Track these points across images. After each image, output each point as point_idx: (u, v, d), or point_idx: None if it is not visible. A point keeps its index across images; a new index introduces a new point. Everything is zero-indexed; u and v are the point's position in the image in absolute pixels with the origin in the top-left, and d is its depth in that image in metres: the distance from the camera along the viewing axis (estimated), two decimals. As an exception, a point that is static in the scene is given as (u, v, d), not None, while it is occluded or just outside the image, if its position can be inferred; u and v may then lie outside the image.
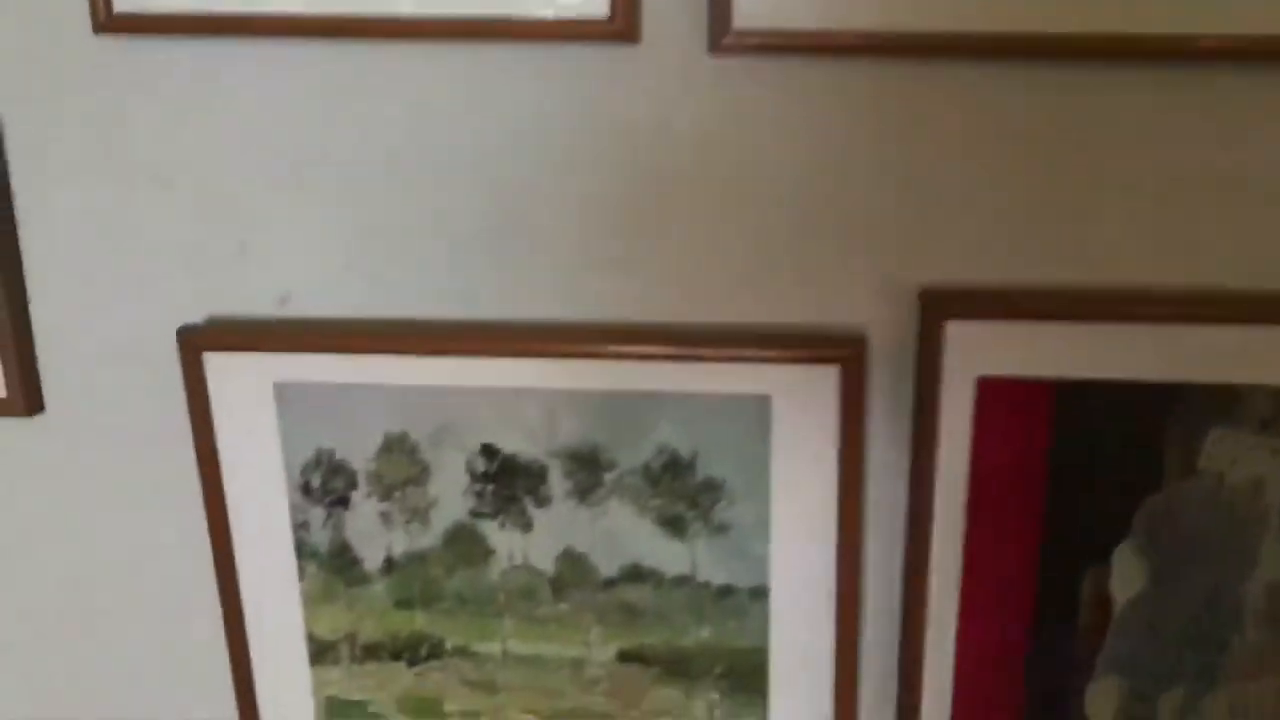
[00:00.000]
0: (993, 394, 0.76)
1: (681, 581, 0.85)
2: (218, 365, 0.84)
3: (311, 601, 0.90)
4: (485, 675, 0.90)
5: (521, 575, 0.87)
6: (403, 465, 0.85)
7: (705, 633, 0.86)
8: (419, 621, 0.89)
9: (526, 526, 0.85)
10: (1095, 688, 0.81)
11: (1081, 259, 0.75)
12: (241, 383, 0.85)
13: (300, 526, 0.88)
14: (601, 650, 0.88)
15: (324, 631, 0.91)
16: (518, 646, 0.89)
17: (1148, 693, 0.81)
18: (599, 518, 0.84)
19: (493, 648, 0.89)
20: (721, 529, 0.83)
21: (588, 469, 0.83)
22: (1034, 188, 0.75)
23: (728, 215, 0.78)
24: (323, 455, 0.86)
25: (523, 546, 0.86)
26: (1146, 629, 0.79)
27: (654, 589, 0.85)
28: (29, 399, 0.88)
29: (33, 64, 0.81)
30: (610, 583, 0.86)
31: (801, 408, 0.79)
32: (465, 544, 0.87)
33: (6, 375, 0.87)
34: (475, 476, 0.85)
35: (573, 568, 0.86)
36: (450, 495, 0.85)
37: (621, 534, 0.84)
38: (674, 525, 0.83)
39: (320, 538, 0.88)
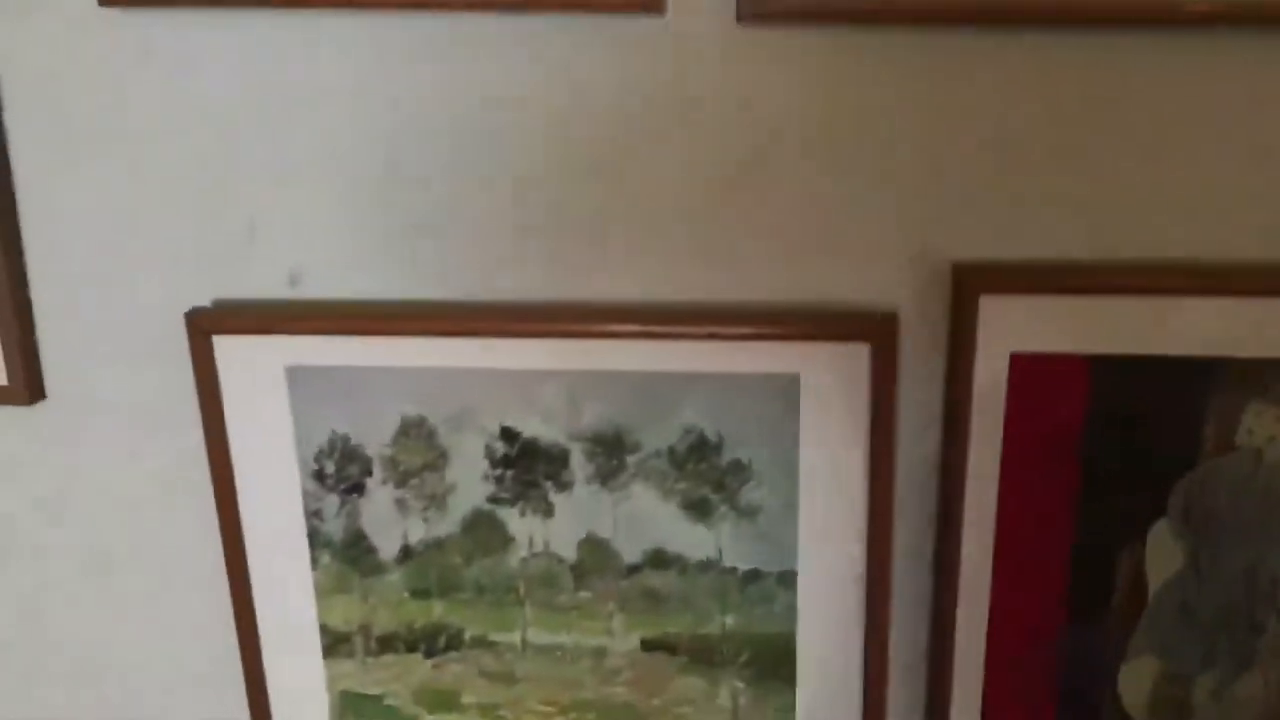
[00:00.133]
0: (1026, 370, 0.76)
1: (707, 567, 0.84)
2: (227, 349, 0.83)
3: (325, 592, 0.89)
4: (504, 666, 0.89)
5: (542, 562, 0.86)
6: (420, 450, 0.84)
7: (731, 620, 0.85)
8: (436, 611, 0.88)
9: (547, 512, 0.84)
10: (1129, 669, 0.81)
11: (1117, 232, 0.75)
12: (252, 367, 0.83)
13: (313, 515, 0.87)
14: (624, 639, 0.87)
15: (338, 623, 0.90)
16: (538, 636, 0.88)
17: (1183, 674, 0.80)
18: (622, 502, 0.83)
19: (512, 638, 0.88)
20: (748, 512, 0.82)
21: (610, 452, 0.82)
22: (1069, 160, 0.74)
23: (754, 190, 0.77)
24: (336, 441, 0.85)
25: (543, 533, 0.85)
26: (1182, 610, 0.79)
27: (678, 575, 0.84)
28: (30, 386, 0.86)
29: (34, 38, 0.79)
30: (633, 569, 0.85)
31: (831, 386, 0.78)
32: (484, 531, 0.85)
33: (7, 362, 0.85)
34: (494, 461, 0.84)
35: (595, 554, 0.85)
36: (469, 481, 0.84)
37: (645, 519, 0.83)
38: (699, 509, 0.82)
39: (334, 526, 0.87)
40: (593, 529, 0.84)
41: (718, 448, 0.81)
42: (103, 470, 0.90)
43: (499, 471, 0.84)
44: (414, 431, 0.84)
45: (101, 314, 0.85)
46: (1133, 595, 0.79)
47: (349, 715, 0.92)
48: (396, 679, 0.91)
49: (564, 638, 0.88)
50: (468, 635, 0.89)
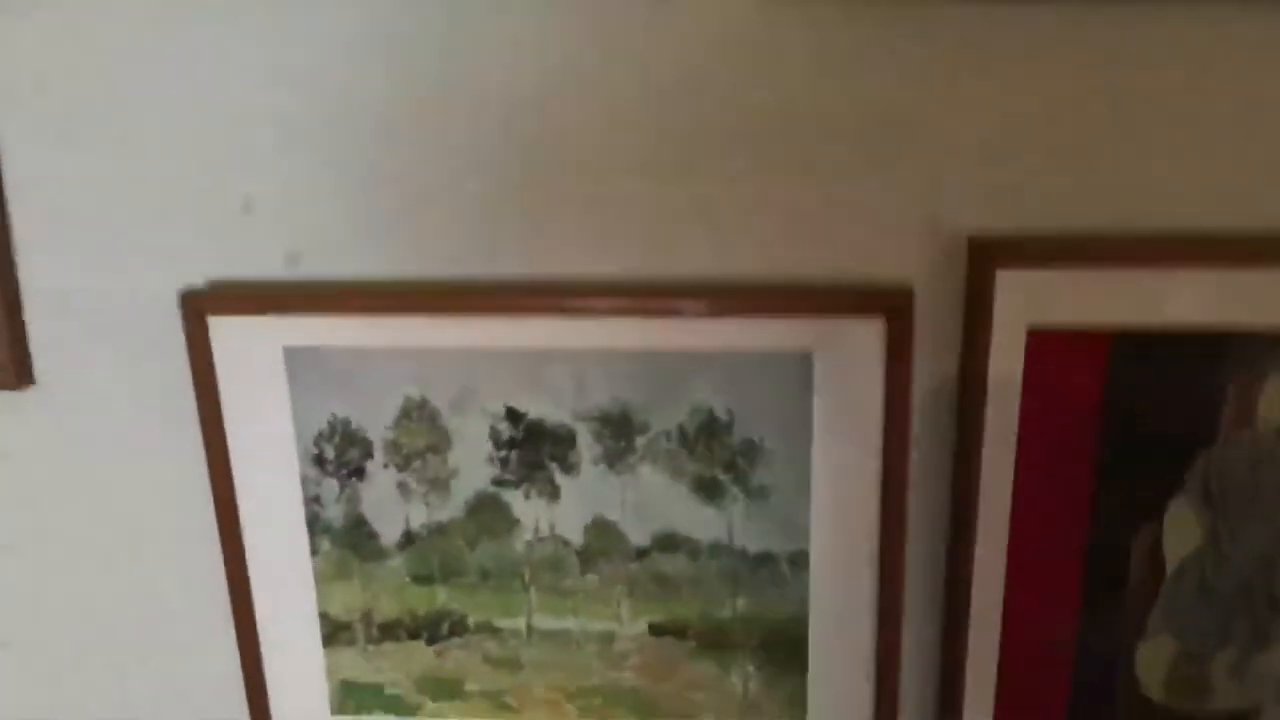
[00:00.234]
0: (1044, 345, 0.75)
1: (717, 549, 0.83)
2: (223, 330, 0.82)
3: (324, 579, 0.88)
4: (509, 653, 0.88)
5: (548, 546, 0.85)
6: (422, 433, 0.83)
7: (742, 603, 0.84)
8: (439, 598, 0.87)
9: (553, 495, 0.83)
10: (1146, 647, 0.80)
11: (1136, 202, 0.74)
12: (249, 348, 0.82)
13: (313, 500, 0.86)
14: (632, 624, 0.86)
15: (338, 611, 0.88)
16: (544, 622, 0.87)
17: (1200, 652, 0.80)
18: (630, 484, 0.82)
19: (518, 624, 0.87)
20: (760, 493, 0.81)
21: (618, 433, 0.81)
22: (1087, 129, 0.73)
23: (766, 161, 0.76)
24: (336, 424, 0.83)
25: (549, 516, 0.84)
26: (1199, 588, 0.78)
27: (688, 558, 0.83)
28: (19, 370, 0.85)
29: (23, 17, 0.77)
30: (642, 552, 0.84)
31: (844, 363, 0.77)
32: (488, 515, 0.84)
33: (-6, 345, 0.84)
34: (499, 443, 0.82)
35: (602, 537, 0.84)
36: (472, 464, 0.83)
37: (654, 501, 0.82)
38: (710, 490, 0.81)
39: (334, 511, 0.86)
40: (600, 511, 0.83)
41: (728, 427, 0.80)
42: (95, 456, 0.88)
43: (503, 453, 0.83)
44: (416, 413, 0.82)
45: (93, 295, 0.84)
46: (1150, 574, 0.79)
47: (349, 705, 0.91)
48: (398, 667, 0.90)
49: (570, 623, 0.87)
50: (471, 622, 0.87)
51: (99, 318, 0.84)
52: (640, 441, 0.81)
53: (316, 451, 0.84)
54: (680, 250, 0.78)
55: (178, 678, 0.94)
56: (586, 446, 0.82)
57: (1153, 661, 0.81)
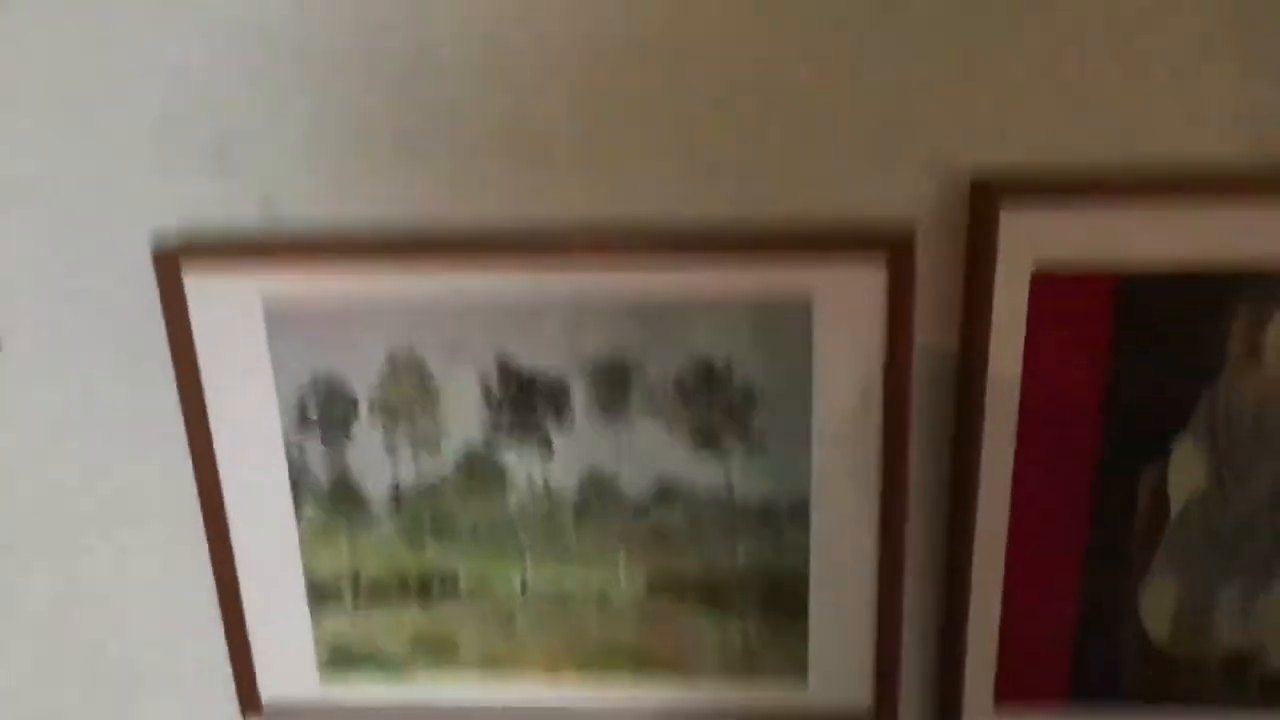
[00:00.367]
0: (1049, 286, 0.74)
1: (715, 502, 0.82)
2: (199, 285, 0.79)
3: (310, 541, 0.86)
4: (504, 612, 0.87)
5: (542, 503, 0.83)
6: (409, 388, 0.81)
7: (741, 556, 0.84)
8: (430, 558, 0.86)
9: (547, 450, 0.82)
10: (1150, 589, 0.81)
11: (1142, 139, 0.73)
12: (226, 303, 0.80)
13: (296, 460, 0.84)
14: (629, 579, 0.85)
15: (325, 573, 0.87)
16: (538, 581, 0.86)
17: (1204, 592, 0.81)
18: (626, 436, 0.81)
19: (511, 582, 0.86)
20: (759, 443, 0.80)
21: (614, 384, 0.80)
22: (1091, 63, 0.72)
23: (762, 99, 0.74)
24: (319, 380, 0.81)
25: (543, 472, 0.83)
26: (1204, 527, 0.79)
27: (686, 512, 0.83)
28: (-19, 330, 0.82)
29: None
30: (638, 506, 0.83)
31: (845, 307, 0.77)
32: (480, 472, 0.83)
33: (-46, 303, 0.81)
34: (490, 398, 0.81)
35: (598, 492, 0.83)
36: (463, 419, 0.82)
37: (651, 453, 0.81)
38: (708, 441, 0.81)
39: (319, 471, 0.84)
40: (595, 465, 0.82)
41: (727, 375, 0.79)
42: (66, 418, 0.86)
43: (495, 408, 0.81)
44: (403, 368, 0.81)
45: (58, 250, 0.81)
46: (1155, 515, 0.79)
47: (339, 670, 0.90)
48: (389, 630, 0.88)
49: (566, 582, 0.86)
50: (464, 582, 0.86)
51: (68, 272, 0.81)
52: (636, 392, 0.80)
53: (299, 409, 0.82)
54: (676, 194, 0.77)
55: (159, 644, 0.92)
56: (581, 398, 0.80)
57: (1157, 604, 0.81)
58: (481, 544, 0.85)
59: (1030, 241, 0.73)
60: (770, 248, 0.76)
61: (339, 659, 0.90)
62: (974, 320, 0.76)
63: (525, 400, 0.81)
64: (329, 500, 0.84)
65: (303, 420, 0.82)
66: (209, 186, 0.79)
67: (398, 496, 0.84)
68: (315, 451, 0.83)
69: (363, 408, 0.82)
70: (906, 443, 0.79)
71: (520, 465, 0.83)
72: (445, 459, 0.83)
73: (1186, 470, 0.78)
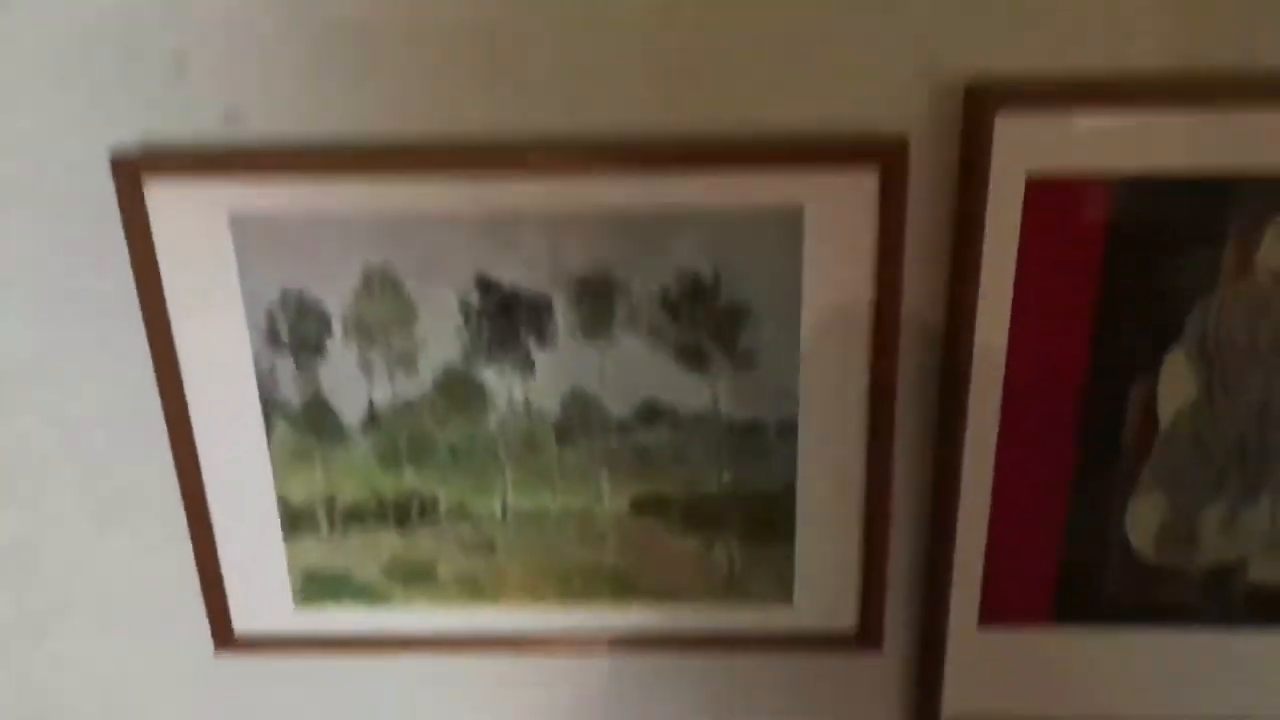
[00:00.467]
0: (1044, 194, 0.73)
1: (701, 420, 0.81)
2: (161, 196, 0.76)
3: (283, 464, 0.84)
4: (484, 536, 0.86)
5: (523, 422, 0.82)
6: (385, 305, 0.79)
7: (727, 476, 0.83)
8: (407, 480, 0.84)
9: (528, 368, 0.80)
10: (1137, 505, 0.81)
11: (1138, 44, 0.72)
12: (190, 216, 0.77)
13: (267, 379, 0.82)
14: (612, 501, 0.84)
15: (299, 497, 0.85)
16: (519, 502, 0.85)
17: (1191, 507, 0.81)
18: (609, 353, 0.80)
19: (491, 505, 0.85)
20: (747, 359, 0.79)
21: (597, 299, 0.78)
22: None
23: (752, 4, 0.72)
24: (290, 297, 0.79)
25: (524, 390, 0.81)
26: (1193, 441, 0.79)
27: (670, 430, 0.82)
28: (-71, 245, 0.79)
29: None
30: (622, 426, 0.82)
31: (836, 218, 0.75)
32: (459, 391, 0.81)
33: (-101, 217, 0.77)
34: (469, 314, 0.79)
35: (580, 411, 0.81)
36: (440, 337, 0.80)
37: (635, 370, 0.80)
38: (694, 357, 0.79)
39: (291, 391, 0.82)
40: (578, 384, 0.81)
41: (714, 290, 0.78)
42: (21, 338, 0.82)
43: (474, 325, 0.79)
44: (377, 284, 0.78)
45: (14, 160, 0.77)
46: (1144, 430, 0.79)
47: (315, 595, 0.89)
48: (365, 554, 0.87)
49: (547, 502, 0.85)
50: (443, 504, 0.85)
51: (24, 185, 0.78)
52: (620, 308, 0.78)
53: (269, 327, 0.80)
54: (661, 102, 0.75)
55: (129, 573, 0.90)
56: (563, 314, 0.79)
57: (1144, 518, 0.82)
58: (461, 466, 0.84)
59: (1025, 149, 0.72)
60: (760, 158, 0.74)
61: (314, 587, 0.88)
62: (966, 230, 0.75)
63: (505, 317, 0.79)
64: (302, 422, 0.82)
65: (273, 339, 0.80)
66: (171, 96, 0.75)
67: (373, 417, 0.82)
68: (287, 371, 0.81)
69: (336, 326, 0.80)
70: (896, 357, 0.79)
71: (500, 385, 0.81)
72: (423, 378, 0.81)
73: (1177, 383, 0.78)
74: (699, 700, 0.93)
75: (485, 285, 0.78)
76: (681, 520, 0.85)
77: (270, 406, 0.82)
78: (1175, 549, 0.83)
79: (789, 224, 0.76)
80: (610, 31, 0.73)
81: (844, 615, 0.88)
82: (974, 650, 0.88)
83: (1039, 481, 0.81)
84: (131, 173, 0.75)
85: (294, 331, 0.80)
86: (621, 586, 0.87)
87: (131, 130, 0.76)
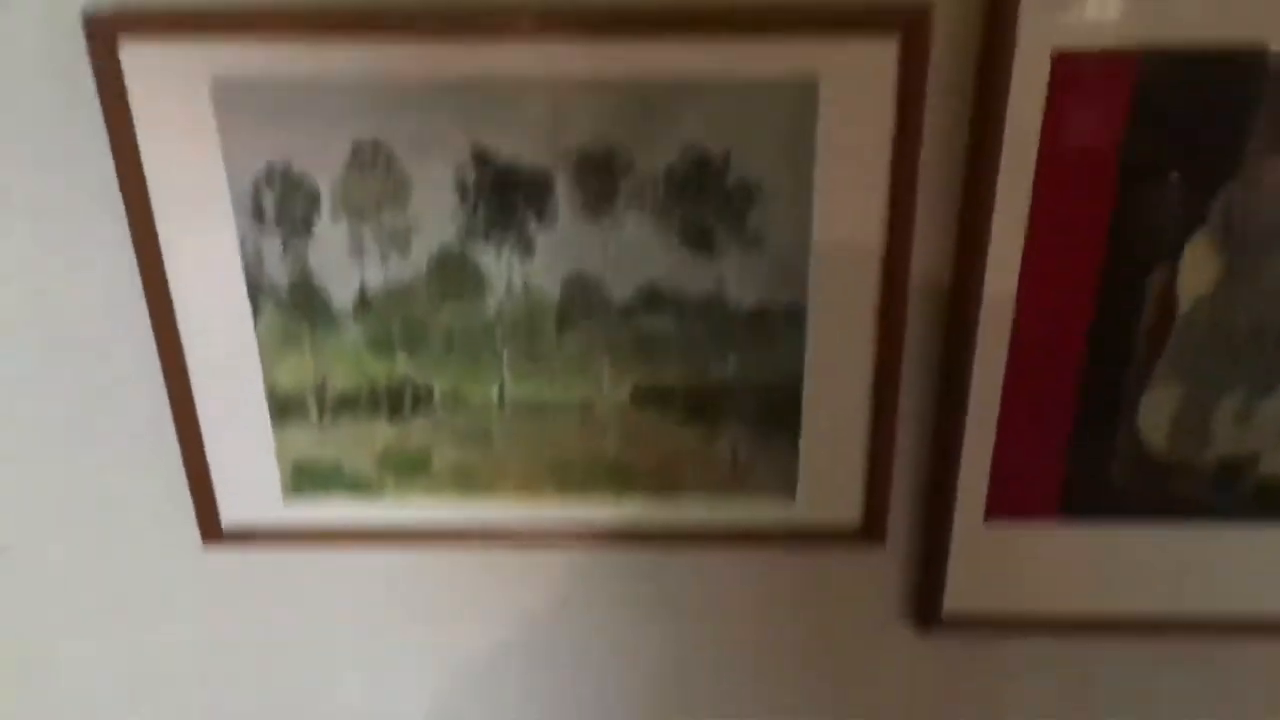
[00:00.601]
0: (1069, 69, 0.71)
1: (707, 306, 0.79)
2: (137, 59, 0.73)
3: (270, 349, 0.82)
4: (479, 426, 0.84)
5: (521, 307, 0.80)
6: (376, 180, 0.76)
7: (732, 365, 0.81)
8: (401, 367, 0.82)
9: (527, 249, 0.78)
10: (1151, 397, 0.80)
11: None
12: (169, 79, 0.73)
13: (252, 259, 0.79)
14: (613, 390, 0.83)
15: (287, 384, 0.83)
16: (517, 391, 0.83)
17: (1206, 398, 0.80)
18: (612, 234, 0.77)
19: (488, 394, 0.83)
20: (756, 241, 0.77)
21: (601, 175, 0.75)
22: None
23: None
24: (276, 170, 0.76)
25: (522, 273, 0.79)
26: (1212, 329, 0.78)
27: (675, 316, 0.79)
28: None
29: None
30: (625, 311, 0.79)
31: (852, 92, 0.73)
32: (454, 273, 0.79)
33: None
34: (465, 191, 0.76)
35: (581, 295, 0.79)
36: (435, 215, 0.77)
37: (639, 252, 0.78)
38: (700, 239, 0.77)
39: (278, 272, 0.79)
40: (579, 266, 0.78)
41: (723, 167, 0.75)
42: (-9, 214, 0.79)
43: (471, 203, 0.76)
44: (369, 157, 0.75)
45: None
46: (1161, 319, 0.78)
47: (304, 487, 0.87)
48: (357, 445, 0.85)
49: (546, 391, 0.83)
50: (437, 393, 0.83)
51: (-15, 48, 0.74)
52: (625, 185, 0.76)
53: (254, 202, 0.77)
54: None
55: (113, 466, 0.88)
56: (564, 192, 0.76)
57: (1157, 411, 0.81)
58: (456, 352, 0.81)
59: (1051, 19, 0.70)
60: (773, 24, 0.71)
61: (304, 478, 0.86)
62: (988, 104, 0.72)
63: (503, 195, 0.76)
64: (289, 305, 0.80)
65: (258, 213, 0.77)
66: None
67: (365, 301, 0.79)
68: (273, 251, 0.78)
69: (325, 202, 0.76)
70: (910, 240, 0.77)
71: (498, 267, 0.78)
72: (416, 259, 0.78)
73: (1199, 269, 0.76)
74: (698, 595, 0.93)
75: (482, 160, 0.75)
76: (684, 410, 0.83)
77: (256, 289, 0.79)
78: (1187, 442, 0.82)
79: (802, 97, 0.73)
80: (617, -114, 0.70)
81: (847, 509, 0.87)
82: (979, 545, 0.87)
83: (1051, 373, 0.80)
84: (106, 33, 0.71)
85: (281, 208, 0.77)
86: (621, 479, 0.86)
87: (105, -13, 0.73)
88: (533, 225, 0.77)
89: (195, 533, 0.89)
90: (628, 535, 0.88)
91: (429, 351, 0.81)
